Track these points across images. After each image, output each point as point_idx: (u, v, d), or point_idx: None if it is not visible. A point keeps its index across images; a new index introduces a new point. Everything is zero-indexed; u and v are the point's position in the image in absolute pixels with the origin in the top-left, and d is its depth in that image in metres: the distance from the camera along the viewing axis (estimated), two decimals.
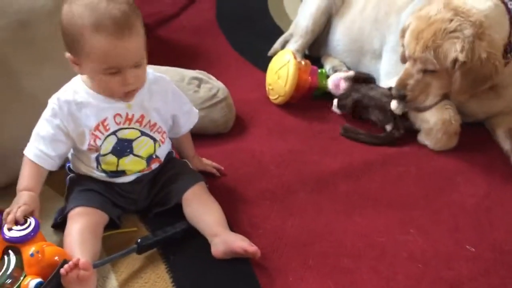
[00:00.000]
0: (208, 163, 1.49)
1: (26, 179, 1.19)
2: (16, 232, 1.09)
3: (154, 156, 1.31)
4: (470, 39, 1.45)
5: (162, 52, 2.04)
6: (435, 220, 1.37)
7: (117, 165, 1.27)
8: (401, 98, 1.62)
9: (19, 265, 1.07)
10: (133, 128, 1.25)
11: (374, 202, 1.43)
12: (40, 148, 1.20)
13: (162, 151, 1.34)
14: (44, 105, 1.24)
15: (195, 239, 1.26)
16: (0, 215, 1.14)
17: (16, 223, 1.11)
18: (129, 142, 1.26)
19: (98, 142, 1.23)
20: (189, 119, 1.41)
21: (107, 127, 1.22)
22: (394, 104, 1.65)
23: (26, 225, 1.10)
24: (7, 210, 1.14)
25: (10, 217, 1.11)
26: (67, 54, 1.16)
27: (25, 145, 1.22)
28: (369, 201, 1.43)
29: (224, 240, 1.20)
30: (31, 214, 1.14)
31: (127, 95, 1.19)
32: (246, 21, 2.43)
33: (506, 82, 1.61)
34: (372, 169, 1.55)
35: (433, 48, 1.49)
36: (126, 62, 1.13)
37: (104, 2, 1.10)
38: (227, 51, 2.19)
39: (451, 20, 1.47)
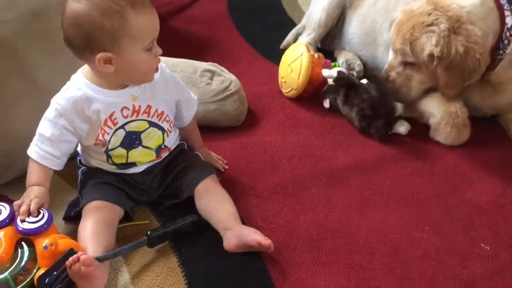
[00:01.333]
0: (214, 157, 1.47)
1: (34, 175, 1.19)
2: (29, 224, 1.09)
3: (163, 147, 1.31)
4: (445, 33, 1.47)
5: (174, 42, 2.02)
6: (449, 217, 1.35)
7: (127, 157, 1.26)
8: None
9: (33, 257, 1.07)
10: (142, 119, 1.24)
11: (388, 198, 1.42)
12: (45, 149, 1.19)
13: (170, 140, 1.33)
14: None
15: (207, 233, 1.25)
16: (11, 207, 1.13)
17: (29, 215, 1.10)
18: (138, 134, 1.25)
19: (107, 137, 1.22)
20: (190, 106, 1.39)
21: (115, 121, 1.22)
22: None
23: (40, 217, 1.10)
24: (17, 202, 1.14)
25: (23, 209, 1.11)
26: (100, 55, 1.10)
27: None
28: (382, 197, 1.42)
29: (237, 233, 1.19)
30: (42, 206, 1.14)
31: (156, 70, 1.21)
32: (258, 13, 2.41)
33: (502, 78, 1.60)
34: (385, 165, 1.54)
35: (410, 41, 1.53)
36: (157, 32, 1.15)
37: None
38: (239, 43, 2.17)
39: (430, 14, 1.50)
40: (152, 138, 1.27)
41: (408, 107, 1.69)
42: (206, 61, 1.73)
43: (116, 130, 1.22)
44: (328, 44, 2.12)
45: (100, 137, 1.22)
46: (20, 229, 1.08)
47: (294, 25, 2.23)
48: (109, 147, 1.24)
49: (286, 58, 1.85)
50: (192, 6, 2.45)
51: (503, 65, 1.57)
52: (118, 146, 1.24)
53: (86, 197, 1.23)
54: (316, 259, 1.22)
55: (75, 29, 1.10)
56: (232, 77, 1.68)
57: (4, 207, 1.13)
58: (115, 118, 1.21)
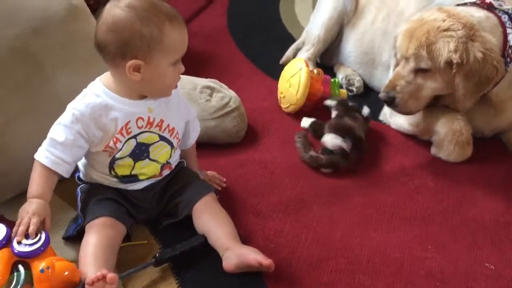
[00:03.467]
0: (211, 178, 1.46)
1: (36, 185, 1.17)
2: (26, 247, 1.07)
3: (166, 162, 1.30)
4: (463, 39, 1.45)
5: None
6: (453, 236, 1.34)
7: (132, 169, 1.25)
8: (390, 101, 1.57)
9: (29, 280, 1.05)
10: (153, 132, 1.25)
11: (390, 216, 1.40)
12: (56, 153, 1.17)
13: (175, 157, 1.33)
14: (57, 114, 1.21)
15: (206, 253, 1.23)
16: (8, 228, 1.11)
17: (26, 236, 1.08)
18: (146, 146, 1.25)
19: (119, 145, 1.22)
20: (195, 128, 1.41)
21: (129, 130, 1.22)
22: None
23: (36, 239, 1.08)
24: (18, 222, 1.12)
25: (21, 230, 1.09)
26: (131, 62, 1.13)
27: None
28: (385, 215, 1.40)
29: (236, 253, 1.17)
30: (43, 223, 1.13)
31: (176, 86, 1.25)
32: (258, 29, 2.41)
33: (504, 96, 1.59)
34: (387, 182, 1.52)
35: (426, 45, 1.49)
36: (185, 50, 1.20)
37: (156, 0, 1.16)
38: (239, 59, 2.17)
39: (444, 20, 1.48)
40: (160, 151, 1.27)
41: (411, 124, 1.67)
42: (206, 77, 1.72)
43: (129, 139, 1.22)
44: (327, 59, 2.12)
45: (111, 144, 1.21)
46: (17, 251, 1.06)
47: (293, 40, 2.23)
48: (118, 155, 1.23)
49: (285, 74, 1.85)
50: (191, 21, 2.45)
51: (504, 83, 1.55)
52: (127, 156, 1.24)
53: (90, 214, 1.21)
54: (318, 279, 1.20)
55: (113, 34, 1.13)
56: (232, 93, 1.67)
57: (0, 228, 1.10)
58: (130, 128, 1.21)
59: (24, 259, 1.07)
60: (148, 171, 1.27)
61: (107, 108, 1.19)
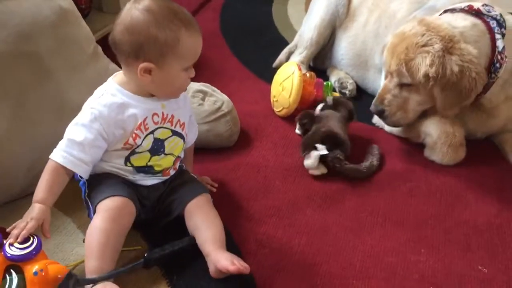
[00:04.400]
0: (204, 180, 1.45)
1: (42, 189, 1.16)
2: (17, 250, 1.06)
3: (179, 155, 1.32)
4: (439, 53, 1.46)
5: None
6: (446, 239, 1.33)
7: (148, 161, 1.26)
8: (379, 113, 1.63)
9: (22, 284, 1.04)
10: (165, 127, 1.26)
11: (383, 219, 1.40)
12: (75, 154, 1.16)
13: (182, 152, 1.35)
14: (48, 119, 1.20)
15: (198, 257, 1.21)
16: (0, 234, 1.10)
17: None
18: (162, 141, 1.26)
19: (138, 141, 1.22)
20: (194, 128, 1.42)
21: (147, 126, 1.23)
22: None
23: (29, 243, 1.08)
24: (15, 224, 1.12)
25: (15, 232, 1.09)
26: (143, 64, 1.15)
27: (26, 165, 1.18)
28: (378, 218, 1.40)
29: (213, 260, 1.16)
30: (41, 227, 1.12)
31: (185, 90, 1.27)
32: (251, 32, 2.41)
33: (495, 102, 1.60)
34: (380, 185, 1.52)
35: (405, 62, 1.51)
36: (198, 56, 1.21)
37: (174, 4, 1.17)
38: (232, 63, 2.16)
39: (423, 35, 1.49)
40: (175, 145, 1.29)
41: (404, 127, 1.67)
42: (198, 80, 1.71)
43: (147, 135, 1.23)
44: (320, 63, 2.12)
45: (131, 141, 1.22)
46: (9, 255, 1.06)
47: (286, 44, 2.23)
48: (138, 150, 1.23)
49: (278, 77, 1.85)
50: None
51: (494, 89, 1.56)
52: (146, 151, 1.24)
53: (101, 194, 1.18)
54: (311, 284, 1.19)
55: (129, 35, 1.15)
56: (224, 97, 1.66)
57: None
58: (147, 124, 1.23)
59: (17, 263, 1.06)
60: (163, 163, 1.28)
61: (124, 106, 1.20)
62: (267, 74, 2.00)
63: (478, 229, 1.37)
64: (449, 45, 1.47)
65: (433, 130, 1.60)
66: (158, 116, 1.24)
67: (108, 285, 1.07)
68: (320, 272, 1.22)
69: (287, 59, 2.11)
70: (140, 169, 1.26)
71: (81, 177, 1.28)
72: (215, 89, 1.69)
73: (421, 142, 1.65)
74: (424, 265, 1.25)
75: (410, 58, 1.50)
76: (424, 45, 1.48)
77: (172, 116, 1.27)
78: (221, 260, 1.15)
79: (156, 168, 1.28)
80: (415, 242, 1.32)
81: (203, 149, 1.58)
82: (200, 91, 1.64)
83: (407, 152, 1.65)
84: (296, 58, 2.04)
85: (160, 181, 1.30)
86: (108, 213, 1.15)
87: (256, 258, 1.23)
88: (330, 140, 1.55)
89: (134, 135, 1.22)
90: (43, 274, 1.04)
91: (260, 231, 1.33)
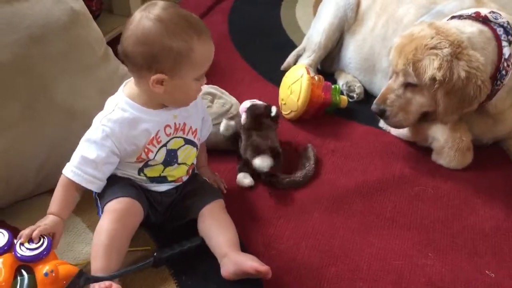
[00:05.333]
0: (218, 177, 1.47)
1: (57, 203, 1.16)
2: (28, 251, 1.07)
3: (191, 163, 1.32)
4: (448, 58, 1.46)
5: None
6: (453, 243, 1.34)
7: (162, 172, 1.26)
8: (381, 113, 1.61)
9: (33, 284, 1.04)
10: (178, 137, 1.25)
11: (390, 223, 1.40)
12: (88, 171, 1.16)
13: (195, 159, 1.34)
14: (56, 121, 1.22)
15: (207, 259, 1.23)
16: (10, 234, 1.11)
17: (30, 240, 1.08)
18: (175, 152, 1.26)
19: (151, 155, 1.22)
20: (207, 125, 1.42)
21: (159, 140, 1.22)
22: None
23: (40, 243, 1.08)
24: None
25: (26, 232, 1.09)
26: (156, 76, 1.12)
27: (36, 165, 1.19)
28: (385, 221, 1.40)
29: (233, 260, 1.17)
30: (51, 237, 1.12)
31: (195, 98, 1.24)
32: (259, 35, 2.42)
33: (500, 108, 1.60)
34: (388, 189, 1.52)
35: (413, 62, 1.51)
36: (210, 64, 1.18)
37: (184, 11, 1.14)
38: (240, 65, 2.17)
39: (432, 37, 1.49)
40: (188, 154, 1.28)
41: (411, 131, 1.68)
42: (207, 83, 1.70)
43: (160, 148, 1.23)
44: (327, 66, 2.12)
45: (143, 156, 1.21)
46: (19, 255, 1.06)
47: (294, 47, 2.23)
48: (151, 163, 1.23)
49: (286, 80, 1.85)
50: None
51: (500, 96, 1.56)
52: (160, 163, 1.24)
53: (109, 195, 1.19)
54: (318, 286, 1.20)
55: (142, 47, 1.12)
56: (233, 99, 1.67)
57: (3, 233, 1.10)
58: (159, 137, 1.22)
59: (27, 263, 1.07)
60: (177, 173, 1.29)
61: (136, 121, 1.19)
62: (275, 77, 2.01)
63: (486, 234, 1.37)
64: (457, 50, 1.47)
65: (440, 134, 1.60)
66: (171, 128, 1.23)
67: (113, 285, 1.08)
68: (328, 275, 1.23)
69: (295, 62, 2.11)
70: (153, 179, 1.27)
71: None
72: (223, 91, 1.70)
73: (428, 146, 1.65)
74: (431, 269, 1.25)
75: (418, 59, 1.50)
76: (433, 48, 1.48)
77: (184, 124, 1.26)
78: (247, 260, 1.16)
79: (170, 178, 1.28)
80: (423, 246, 1.32)
81: (211, 150, 1.58)
82: (209, 93, 1.65)
83: (414, 156, 1.66)
84: (304, 61, 2.05)
85: (172, 187, 1.30)
86: (114, 214, 1.16)
87: (263, 260, 1.23)
88: (274, 154, 1.52)
89: (146, 150, 1.21)
90: (53, 275, 1.04)
91: (268, 233, 1.34)
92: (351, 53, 2.00)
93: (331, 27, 2.02)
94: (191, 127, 1.28)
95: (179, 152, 1.26)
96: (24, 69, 1.34)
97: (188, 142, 1.28)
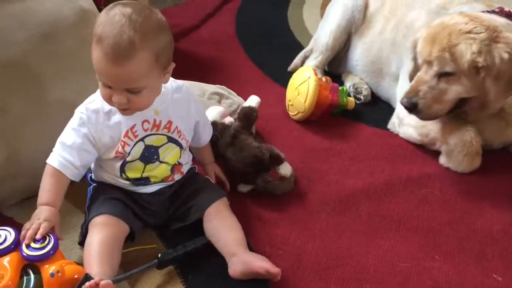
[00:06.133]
0: (223, 174, 1.47)
1: (47, 192, 1.18)
2: (35, 251, 1.06)
3: (177, 163, 1.30)
4: (486, 42, 1.44)
5: (182, 64, 2.00)
6: (460, 246, 1.33)
7: (143, 171, 1.26)
8: (412, 107, 1.54)
9: (39, 284, 1.04)
10: (161, 134, 1.25)
11: (397, 225, 1.39)
12: (65, 156, 1.19)
13: (185, 157, 1.33)
14: (64, 119, 1.22)
15: (214, 258, 1.23)
16: (16, 233, 1.11)
17: (35, 240, 1.08)
18: (155, 148, 1.25)
19: (127, 149, 1.23)
20: (207, 131, 1.43)
21: (136, 134, 1.23)
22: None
23: (46, 242, 1.08)
24: (27, 225, 1.12)
25: (30, 233, 1.09)
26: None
27: (45, 158, 1.21)
28: (392, 223, 1.40)
29: (243, 260, 1.17)
30: (52, 230, 1.13)
31: (120, 111, 1.19)
32: (266, 36, 2.42)
33: None
34: (395, 191, 1.51)
35: (448, 48, 1.47)
36: (115, 85, 1.13)
37: (123, 21, 1.08)
38: (247, 66, 2.17)
39: (466, 23, 1.47)
40: (170, 153, 1.28)
41: (421, 134, 1.67)
42: (214, 83, 1.72)
43: (137, 142, 1.23)
44: (334, 67, 2.12)
45: (120, 149, 1.22)
46: (25, 255, 1.06)
47: (301, 48, 2.23)
48: (128, 159, 1.24)
49: (293, 81, 1.85)
50: (200, 28, 2.47)
51: None
52: (137, 159, 1.24)
53: (92, 212, 1.22)
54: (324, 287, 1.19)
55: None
56: (240, 100, 1.67)
57: (9, 232, 1.10)
58: (136, 131, 1.22)
59: (34, 262, 1.06)
60: (158, 173, 1.28)
61: (111, 113, 1.21)
62: (282, 77, 2.01)
63: (493, 237, 1.36)
64: (494, 34, 1.45)
65: (450, 138, 1.59)
66: (149, 123, 1.23)
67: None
68: (334, 276, 1.23)
69: (302, 63, 2.11)
70: (136, 182, 1.27)
71: (90, 182, 1.31)
72: (231, 91, 1.70)
73: (437, 149, 1.64)
74: (438, 272, 1.25)
75: (454, 44, 1.46)
76: (468, 32, 1.46)
77: (170, 122, 1.26)
78: (257, 260, 1.16)
79: (153, 180, 1.28)
80: (429, 249, 1.31)
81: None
82: (216, 93, 1.65)
83: (422, 158, 1.65)
84: (312, 62, 2.04)
85: (163, 186, 1.30)
86: (99, 226, 1.18)
87: (269, 260, 1.23)
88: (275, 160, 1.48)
89: (122, 143, 1.22)
90: (59, 275, 1.04)
91: (274, 234, 1.34)
92: (358, 55, 2.00)
93: (339, 29, 2.01)
94: (177, 127, 1.27)
95: (160, 150, 1.26)
96: (35, 66, 1.35)
97: (171, 140, 1.27)
